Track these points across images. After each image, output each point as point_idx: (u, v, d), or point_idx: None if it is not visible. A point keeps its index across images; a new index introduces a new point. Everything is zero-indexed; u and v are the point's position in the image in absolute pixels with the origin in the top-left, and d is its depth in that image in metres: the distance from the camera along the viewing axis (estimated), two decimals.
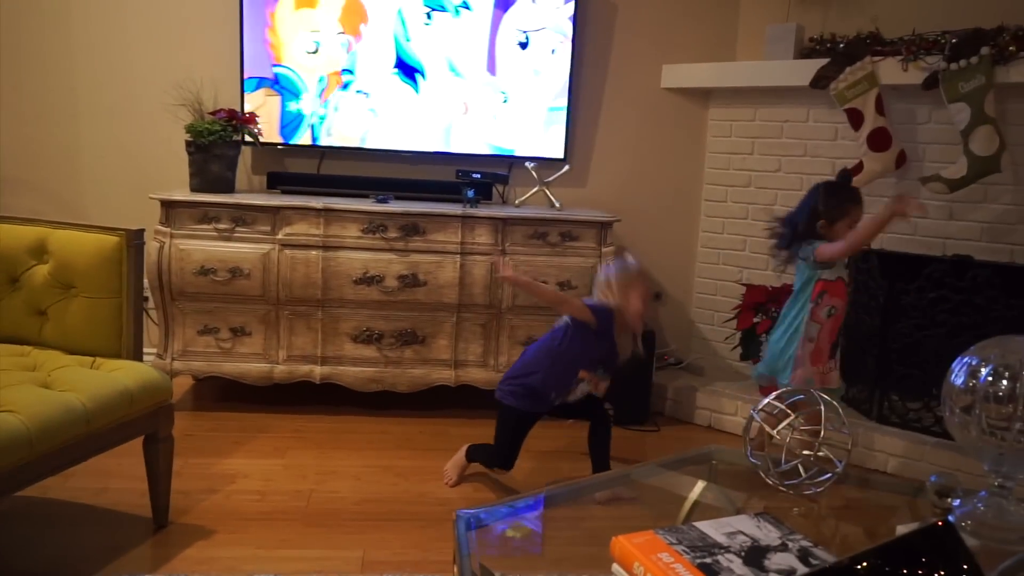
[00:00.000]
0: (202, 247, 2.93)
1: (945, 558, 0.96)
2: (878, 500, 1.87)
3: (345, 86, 3.28)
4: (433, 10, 3.26)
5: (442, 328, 3.07)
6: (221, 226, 2.95)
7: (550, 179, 3.32)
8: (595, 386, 2.45)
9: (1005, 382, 1.28)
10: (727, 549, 1.16)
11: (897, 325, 2.89)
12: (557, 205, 3.30)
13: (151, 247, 2.84)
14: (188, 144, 3.07)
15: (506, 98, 3.37)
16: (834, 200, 2.45)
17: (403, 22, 3.26)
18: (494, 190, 3.41)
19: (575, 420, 2.63)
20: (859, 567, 0.94)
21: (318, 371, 3.03)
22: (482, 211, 3.06)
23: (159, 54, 3.32)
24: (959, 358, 1.36)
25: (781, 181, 3.37)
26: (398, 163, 3.43)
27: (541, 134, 3.41)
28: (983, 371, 1.31)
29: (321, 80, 3.27)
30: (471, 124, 3.37)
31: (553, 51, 3.36)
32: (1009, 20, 2.73)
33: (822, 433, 1.56)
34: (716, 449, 1.87)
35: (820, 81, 3.05)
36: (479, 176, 3.26)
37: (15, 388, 1.79)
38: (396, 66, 3.29)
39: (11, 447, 1.63)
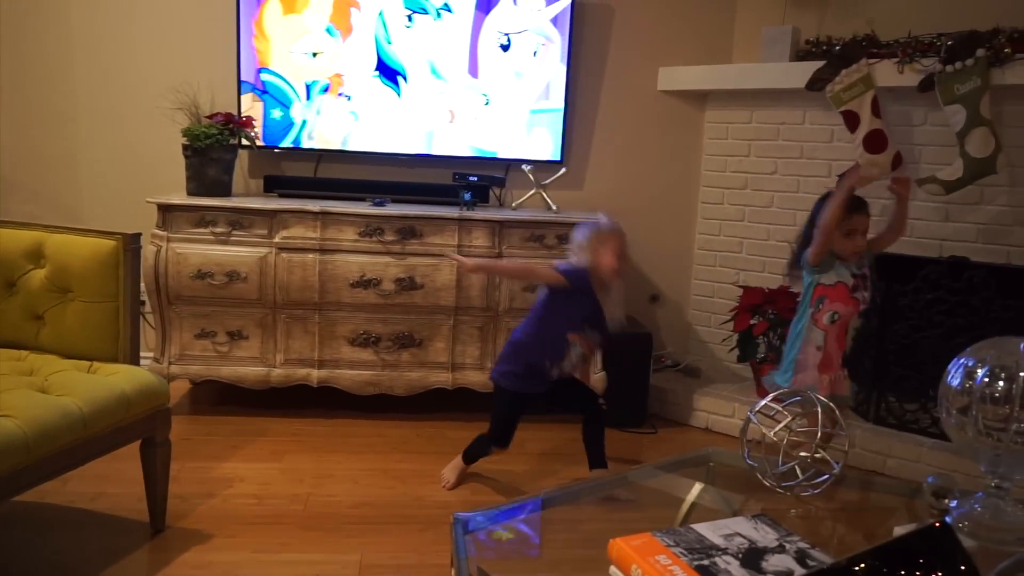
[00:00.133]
0: (199, 251, 2.93)
1: (942, 559, 0.96)
2: (875, 501, 1.88)
3: (324, 89, 3.28)
4: (414, 12, 3.26)
5: (439, 331, 3.07)
6: (218, 230, 2.95)
7: (547, 182, 3.32)
8: (588, 347, 2.47)
9: (1001, 383, 1.28)
10: (724, 551, 1.16)
11: (894, 326, 2.90)
12: (554, 208, 3.31)
13: (148, 251, 2.84)
14: (185, 148, 3.07)
15: (488, 100, 3.37)
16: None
17: (384, 24, 3.26)
18: (491, 193, 3.41)
19: (569, 411, 2.61)
20: (856, 568, 0.94)
21: (315, 374, 3.03)
22: (479, 214, 3.06)
23: (156, 58, 3.32)
24: (955, 359, 1.37)
25: (777, 183, 3.38)
26: (394, 166, 3.43)
27: (524, 137, 3.42)
28: (979, 372, 1.31)
29: (312, 85, 3.27)
30: (453, 127, 3.37)
31: (535, 53, 3.36)
32: (1004, 22, 2.74)
33: (819, 435, 1.56)
34: (713, 451, 1.87)
35: (816, 83, 3.06)
36: (476, 179, 3.26)
37: (12, 393, 1.79)
38: (377, 69, 3.29)
39: (8, 452, 1.63)
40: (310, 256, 2.97)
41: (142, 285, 2.56)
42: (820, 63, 3.06)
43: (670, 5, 3.55)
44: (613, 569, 1.17)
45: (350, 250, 2.99)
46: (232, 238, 2.96)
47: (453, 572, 1.26)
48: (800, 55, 3.25)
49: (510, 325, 3.07)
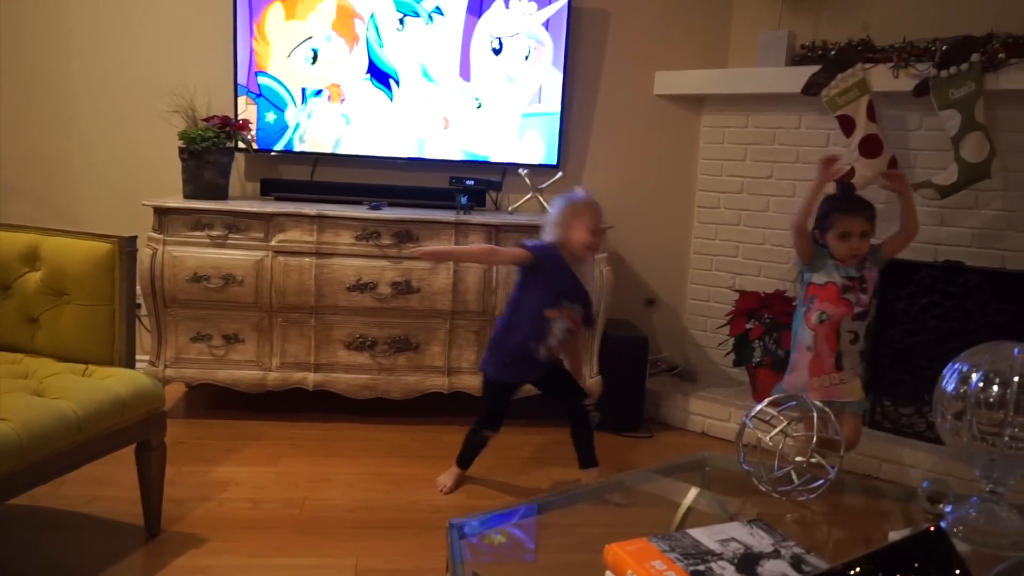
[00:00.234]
0: (195, 254, 2.92)
1: (937, 564, 0.97)
2: (871, 506, 1.88)
3: (318, 92, 3.29)
4: (406, 16, 3.27)
5: (435, 335, 3.06)
6: (214, 233, 2.95)
7: (543, 186, 3.32)
8: (570, 320, 2.46)
9: (996, 388, 1.29)
10: (720, 556, 1.16)
11: (889, 331, 2.90)
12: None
13: (144, 254, 2.83)
14: (181, 151, 3.07)
15: (480, 104, 3.37)
16: (822, 210, 2.45)
17: (376, 28, 3.26)
18: (487, 197, 3.41)
19: (557, 402, 2.62)
20: (852, 573, 0.94)
21: (311, 378, 3.03)
22: (475, 218, 3.06)
23: (153, 61, 3.32)
24: (950, 364, 1.37)
25: (773, 187, 3.39)
26: (390, 170, 3.43)
27: (515, 140, 3.42)
28: (974, 377, 1.32)
29: (315, 93, 3.27)
30: (445, 131, 3.37)
31: (526, 57, 3.36)
32: (998, 28, 2.75)
33: (814, 439, 1.56)
34: (709, 455, 1.87)
35: (812, 88, 3.07)
36: (473, 183, 3.26)
37: (7, 396, 1.79)
38: (369, 72, 3.29)
39: (2, 455, 1.62)
40: (306, 260, 2.96)
41: (138, 288, 2.56)
42: (816, 68, 3.06)
43: (666, 9, 3.56)
44: (609, 574, 1.17)
45: (346, 254, 2.99)
46: (228, 241, 2.95)
47: None
48: (796, 60, 3.26)
49: None
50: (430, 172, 3.43)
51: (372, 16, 3.25)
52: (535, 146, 3.43)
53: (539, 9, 3.34)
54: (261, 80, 3.25)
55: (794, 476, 1.59)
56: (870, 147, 2.97)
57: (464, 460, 2.61)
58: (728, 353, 3.32)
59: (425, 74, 3.33)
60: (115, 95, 3.33)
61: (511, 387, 2.55)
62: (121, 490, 2.27)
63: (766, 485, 1.58)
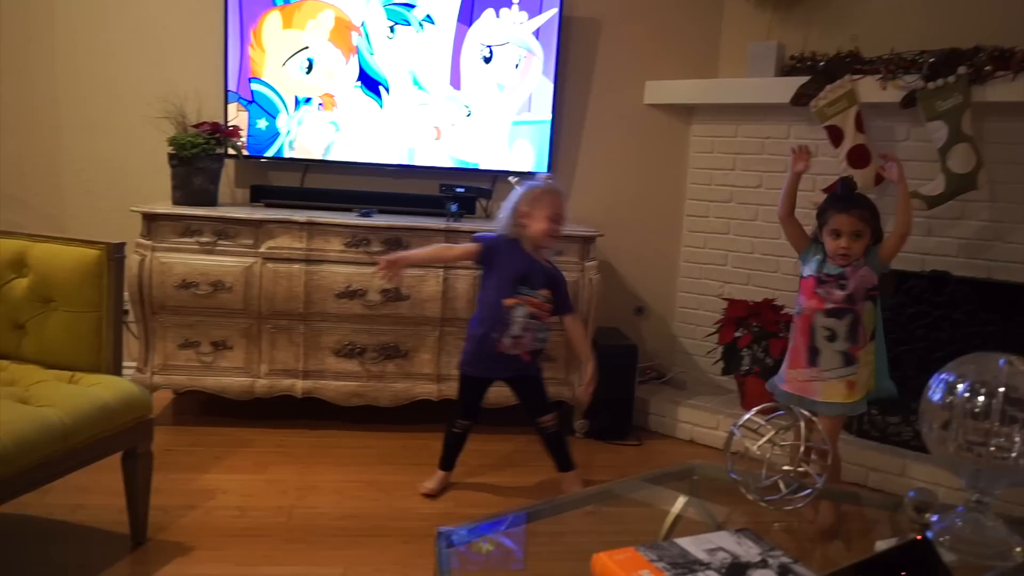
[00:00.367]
0: (184, 260, 2.91)
1: (923, 573, 0.97)
2: (858, 515, 1.89)
3: (308, 100, 3.28)
4: (397, 24, 3.27)
5: (425, 342, 3.06)
6: (203, 239, 2.94)
7: None
8: (532, 306, 2.45)
9: (982, 398, 1.30)
10: (708, 566, 1.16)
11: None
12: None
13: (132, 260, 2.82)
14: (171, 157, 3.06)
15: (470, 112, 3.38)
16: (821, 206, 2.46)
17: (367, 35, 3.27)
18: (477, 204, 3.41)
19: (522, 407, 2.63)
20: None
21: (300, 385, 3.02)
22: (465, 225, 3.06)
23: (143, 66, 3.31)
24: (936, 375, 1.38)
25: (762, 197, 3.40)
26: (380, 177, 3.43)
27: (505, 149, 3.43)
28: (960, 388, 1.32)
29: (305, 100, 3.27)
30: (435, 137, 3.38)
31: (517, 65, 3.37)
32: (985, 41, 2.78)
33: (801, 449, 1.57)
34: (698, 464, 1.88)
35: (801, 98, 3.09)
36: (463, 190, 3.26)
37: None
38: (359, 79, 3.29)
39: None
40: (296, 266, 2.96)
41: (126, 294, 2.55)
42: (805, 79, 3.09)
43: (657, 19, 3.58)
44: None
45: (336, 260, 2.99)
46: (217, 248, 2.94)
47: None
48: (785, 71, 3.28)
49: None
50: (420, 179, 3.43)
51: (363, 24, 3.26)
52: (525, 154, 3.44)
53: (530, 18, 3.35)
54: (254, 86, 3.25)
55: (782, 485, 1.59)
56: (858, 157, 3.00)
57: (446, 461, 2.61)
58: (717, 361, 3.33)
59: (415, 82, 3.33)
60: (104, 100, 3.32)
61: (481, 381, 2.57)
62: (107, 498, 2.25)
63: (754, 494, 1.59)
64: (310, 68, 3.26)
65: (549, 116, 3.42)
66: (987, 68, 2.74)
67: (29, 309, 2.09)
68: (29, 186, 3.33)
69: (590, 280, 3.09)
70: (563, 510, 1.73)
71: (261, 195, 3.30)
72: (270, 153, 3.30)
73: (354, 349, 3.02)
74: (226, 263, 2.94)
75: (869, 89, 2.99)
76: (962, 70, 2.77)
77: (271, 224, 2.96)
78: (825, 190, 3.06)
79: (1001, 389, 1.29)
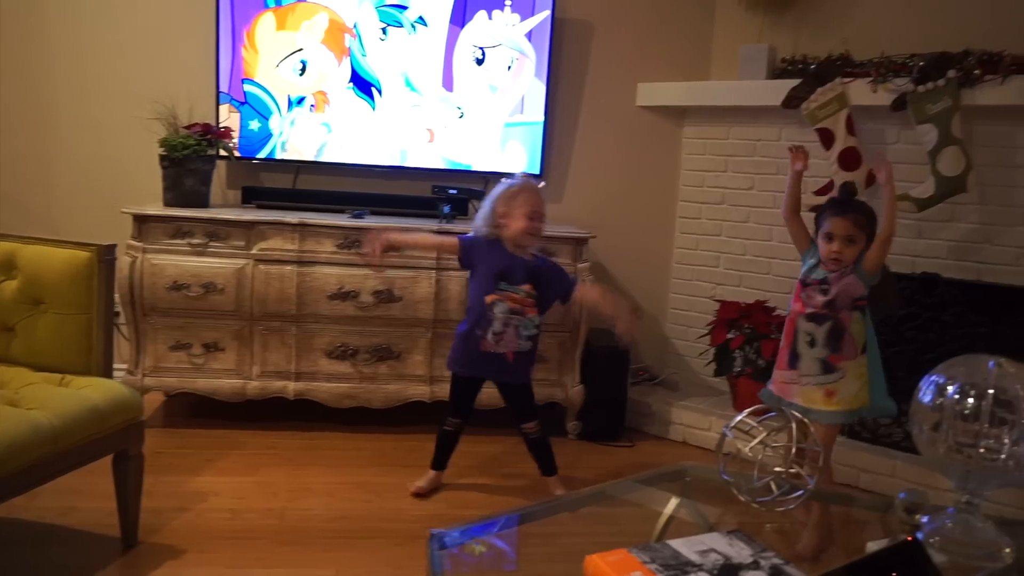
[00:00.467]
0: (175, 262, 2.90)
1: (914, 574, 0.98)
2: (849, 516, 1.89)
3: (301, 100, 3.28)
4: (389, 25, 3.27)
5: (417, 344, 3.06)
6: (195, 241, 2.93)
7: None
8: (513, 301, 2.45)
9: (971, 400, 1.30)
10: (700, 567, 1.16)
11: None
12: None
13: (123, 262, 2.80)
14: (162, 158, 3.05)
15: (462, 114, 3.38)
16: (820, 209, 2.46)
17: (359, 37, 3.26)
18: (470, 205, 3.41)
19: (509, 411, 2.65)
20: None
21: (292, 387, 3.01)
22: (458, 226, 3.05)
23: (134, 67, 3.29)
24: (927, 376, 1.39)
25: (754, 199, 3.41)
26: (373, 178, 3.42)
27: (498, 150, 3.43)
28: (950, 389, 1.33)
29: (298, 101, 3.26)
30: (428, 140, 3.37)
31: (509, 67, 3.38)
32: (974, 45, 2.80)
33: (793, 450, 1.57)
34: (690, 465, 1.88)
35: (792, 101, 3.10)
36: (455, 192, 3.26)
37: None
38: (352, 81, 3.29)
39: None
40: (288, 268, 2.95)
41: (116, 296, 2.54)
42: (796, 81, 3.10)
43: (649, 22, 3.59)
44: None
45: (328, 262, 2.98)
46: (209, 249, 2.94)
47: None
48: (776, 73, 3.30)
49: None
50: (412, 181, 3.43)
51: (356, 26, 3.25)
52: (518, 156, 3.44)
53: (522, 20, 3.35)
54: (247, 88, 3.24)
55: (773, 486, 1.60)
56: (849, 160, 3.01)
57: (437, 460, 2.62)
58: (709, 363, 3.34)
59: (408, 84, 3.33)
60: (95, 101, 3.30)
61: (471, 381, 2.57)
62: (97, 501, 2.24)
63: (746, 495, 1.59)
64: (303, 70, 3.26)
65: (542, 118, 3.43)
66: (976, 72, 2.76)
67: (19, 311, 2.08)
68: (20, 187, 3.31)
69: (583, 281, 3.08)
70: (556, 512, 1.74)
71: (253, 196, 3.29)
72: (262, 154, 3.29)
73: (346, 351, 3.01)
74: (218, 265, 2.93)
75: (860, 92, 3.00)
76: (951, 74, 2.78)
77: (263, 226, 2.95)
78: (817, 192, 3.07)
79: (991, 391, 1.30)
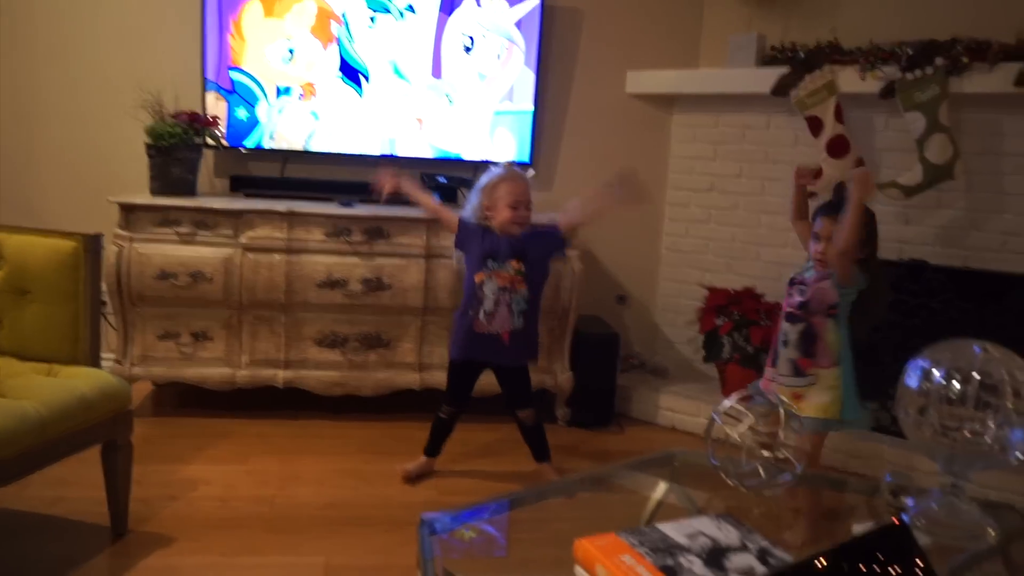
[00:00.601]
0: (162, 251, 2.89)
1: (900, 556, 0.98)
2: (836, 499, 1.91)
3: (288, 90, 3.26)
4: (377, 13, 3.25)
5: (407, 331, 3.06)
6: (182, 230, 2.91)
7: None
8: (501, 278, 2.45)
9: (957, 384, 1.31)
10: (688, 550, 1.17)
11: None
12: None
13: (110, 251, 2.79)
14: (148, 147, 3.03)
15: (451, 101, 3.37)
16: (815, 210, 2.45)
17: (347, 24, 3.24)
18: (459, 194, 3.40)
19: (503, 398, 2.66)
20: (817, 566, 0.96)
21: (281, 375, 3.00)
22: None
23: (120, 55, 3.27)
24: (913, 361, 1.39)
25: (743, 186, 3.42)
26: (362, 167, 3.41)
27: (487, 138, 3.42)
28: (936, 374, 1.34)
29: (284, 91, 3.24)
30: (416, 128, 3.36)
31: (498, 55, 3.37)
32: (961, 33, 2.80)
33: (780, 435, 1.58)
34: (679, 451, 1.89)
35: (781, 89, 3.11)
36: (445, 180, 3.25)
37: None
38: (340, 69, 3.27)
39: None
40: (276, 257, 2.94)
41: (103, 286, 2.52)
42: (785, 69, 3.10)
43: (639, 9, 3.58)
44: (578, 569, 1.17)
45: (317, 250, 2.97)
46: (197, 238, 2.92)
47: (419, 573, 1.26)
48: (766, 61, 3.30)
49: None
50: (402, 169, 3.40)
51: (344, 14, 3.23)
52: (507, 144, 3.43)
53: (511, 7, 3.34)
54: (234, 76, 3.22)
55: (761, 471, 1.61)
56: (837, 147, 3.02)
57: (431, 446, 2.63)
58: (698, 349, 3.35)
59: (396, 71, 3.31)
60: (80, 89, 3.27)
61: (468, 366, 2.57)
62: (87, 490, 2.24)
63: (734, 480, 1.60)
64: (291, 57, 3.24)
65: (531, 106, 3.42)
66: (964, 60, 2.77)
67: (5, 301, 2.07)
68: (4, 176, 3.28)
69: (572, 269, 3.09)
70: (546, 497, 1.74)
71: (241, 185, 3.28)
72: (250, 143, 3.27)
73: (336, 339, 3.01)
74: (206, 254, 2.91)
75: (848, 80, 3.01)
76: (939, 61, 2.79)
77: (251, 214, 2.94)
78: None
79: (976, 375, 1.31)
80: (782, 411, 1.62)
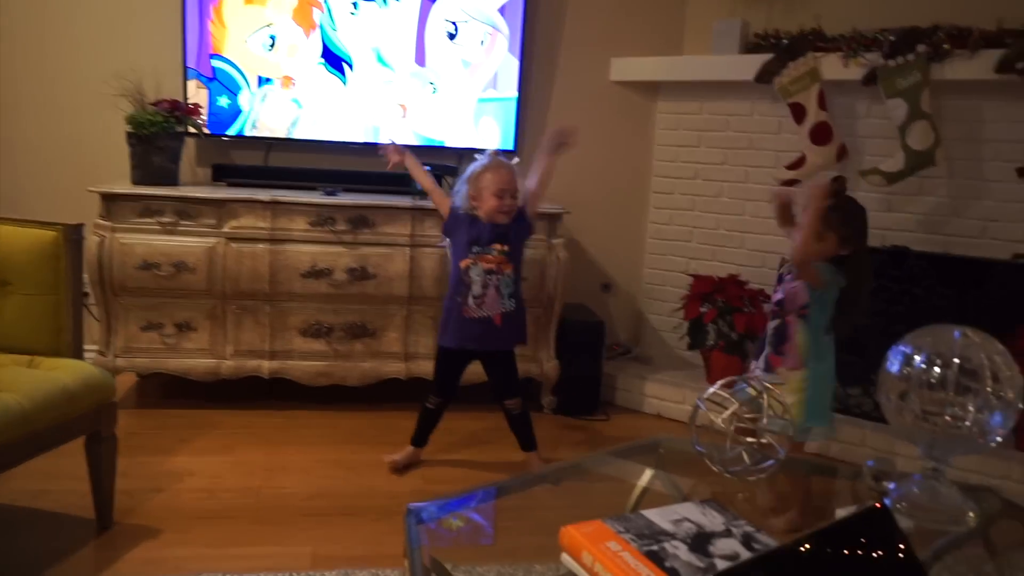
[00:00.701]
0: (144, 241, 2.86)
1: (882, 540, 1.00)
2: (819, 484, 1.93)
3: (270, 80, 3.23)
4: None
5: (392, 321, 3.05)
6: (164, 219, 2.89)
7: None
8: (488, 262, 2.47)
9: (937, 369, 1.33)
10: (673, 536, 1.18)
11: (837, 314, 2.97)
12: None
13: (91, 242, 2.76)
14: (129, 135, 2.99)
15: (435, 89, 3.35)
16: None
17: (329, 11, 3.21)
18: (443, 182, 3.39)
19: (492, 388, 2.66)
20: (800, 551, 0.97)
21: (266, 366, 2.99)
22: (431, 203, 3.04)
23: (98, 42, 3.22)
24: (895, 346, 1.41)
25: (726, 173, 3.43)
26: (345, 155, 3.39)
27: (471, 126, 3.41)
28: (917, 359, 1.35)
29: (266, 80, 3.21)
30: (400, 115, 3.34)
31: (482, 42, 3.35)
32: (943, 20, 2.82)
33: (764, 420, 1.60)
34: (664, 438, 1.90)
35: (764, 76, 3.11)
36: (429, 168, 3.23)
37: None
38: (322, 56, 3.24)
39: None
40: (260, 246, 2.92)
41: (85, 276, 2.50)
42: (769, 56, 3.11)
43: None
44: (565, 556, 1.18)
45: (301, 240, 2.96)
46: (179, 228, 2.90)
47: (406, 562, 1.26)
48: (749, 48, 3.30)
49: None
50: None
51: (325, 1, 3.20)
52: (491, 131, 3.42)
53: None
54: (215, 63, 3.18)
55: (745, 457, 1.62)
56: (820, 134, 3.03)
57: (417, 436, 2.63)
58: (683, 337, 3.37)
59: (380, 59, 3.29)
60: (59, 77, 3.23)
61: (457, 354, 2.56)
62: (71, 483, 2.22)
63: (718, 466, 1.62)
64: (272, 45, 3.21)
65: (515, 93, 3.41)
66: (945, 47, 2.79)
67: None
68: None
69: (557, 257, 3.10)
70: (532, 485, 1.75)
71: (223, 174, 3.25)
72: (232, 131, 3.25)
73: (321, 329, 3.00)
74: (188, 243, 2.89)
75: (831, 66, 3.02)
76: (921, 48, 2.81)
77: (234, 203, 2.92)
78: (788, 167, 3.10)
79: (956, 360, 1.32)
80: (766, 398, 1.63)
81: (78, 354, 2.08)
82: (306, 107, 3.27)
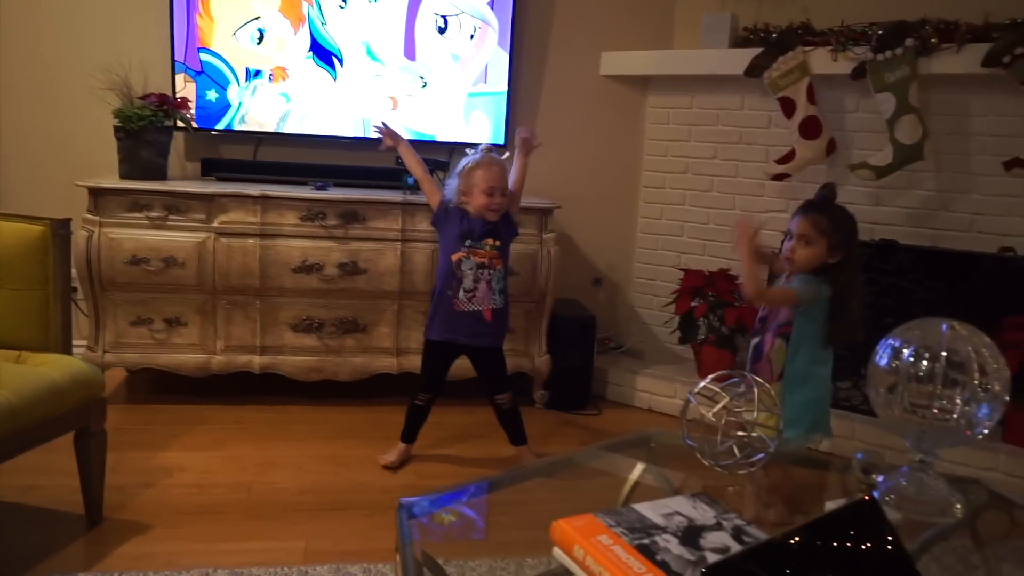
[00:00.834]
0: (133, 236, 2.85)
1: (870, 532, 1.00)
2: (809, 477, 1.94)
3: (259, 74, 3.21)
4: None
5: (383, 316, 3.05)
6: (153, 214, 2.87)
7: None
8: (479, 255, 2.47)
9: (926, 363, 1.34)
10: (664, 530, 1.19)
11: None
12: None
13: (79, 236, 2.74)
14: (117, 130, 2.97)
15: (425, 83, 3.34)
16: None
17: (319, 5, 3.20)
18: (434, 176, 3.38)
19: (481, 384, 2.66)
20: (791, 543, 0.98)
21: (257, 361, 2.98)
22: (422, 198, 3.02)
23: (84, 35, 3.20)
24: (883, 340, 1.42)
25: (717, 168, 3.44)
26: (335, 150, 3.38)
27: (461, 120, 3.40)
28: (905, 352, 1.36)
29: (254, 74, 3.19)
30: (391, 110, 3.33)
31: (472, 36, 3.34)
32: (931, 14, 2.83)
33: (755, 414, 1.60)
34: (655, 432, 1.91)
35: (754, 70, 3.12)
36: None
37: None
38: (311, 50, 3.23)
39: None
40: (250, 241, 2.91)
41: (73, 271, 2.48)
42: (758, 50, 3.11)
43: None
44: (556, 550, 1.18)
45: (292, 235, 2.95)
46: (168, 223, 2.88)
47: (398, 557, 1.26)
48: (739, 42, 3.31)
49: None
50: (375, 152, 3.38)
51: None
52: (482, 126, 3.42)
53: None
54: (203, 57, 3.16)
55: (736, 450, 1.63)
56: (810, 128, 3.04)
57: (407, 433, 2.62)
58: (674, 331, 3.38)
59: (369, 52, 3.28)
60: (46, 71, 3.20)
61: (445, 349, 2.56)
62: (60, 478, 2.21)
63: (709, 460, 1.62)
64: (261, 38, 3.19)
65: (505, 87, 3.40)
66: (933, 41, 2.80)
67: None
68: None
69: (548, 252, 3.10)
70: (524, 480, 1.75)
71: (212, 169, 3.23)
72: (221, 126, 3.23)
73: (312, 324, 2.99)
74: (178, 238, 2.88)
75: (820, 60, 3.03)
76: (909, 42, 2.82)
77: (224, 198, 2.90)
78: (778, 161, 3.11)
79: (944, 353, 1.33)
80: (756, 391, 1.64)
81: (67, 349, 2.07)
82: (296, 101, 3.26)
